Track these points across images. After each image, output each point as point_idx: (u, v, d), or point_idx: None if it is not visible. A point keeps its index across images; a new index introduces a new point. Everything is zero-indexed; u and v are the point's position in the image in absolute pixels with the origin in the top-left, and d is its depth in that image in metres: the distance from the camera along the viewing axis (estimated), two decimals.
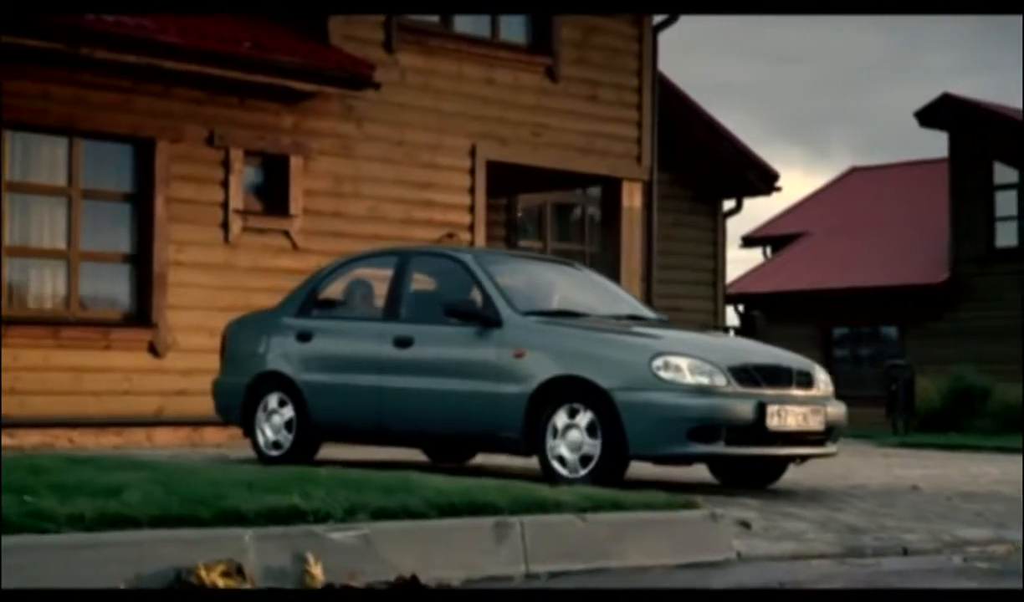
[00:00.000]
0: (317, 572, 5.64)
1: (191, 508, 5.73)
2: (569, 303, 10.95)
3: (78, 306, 14.79)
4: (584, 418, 9.61)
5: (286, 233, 15.89)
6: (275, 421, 11.43)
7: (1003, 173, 30.78)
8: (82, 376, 14.51)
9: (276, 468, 8.26)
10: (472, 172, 17.30)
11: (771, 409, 9.52)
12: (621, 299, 11.73)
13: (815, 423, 9.88)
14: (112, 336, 14.76)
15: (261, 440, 11.49)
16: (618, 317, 10.84)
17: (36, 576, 5.02)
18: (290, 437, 11.35)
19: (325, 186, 16.22)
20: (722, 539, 6.86)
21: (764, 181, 23.62)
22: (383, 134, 16.67)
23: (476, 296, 10.58)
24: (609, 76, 18.60)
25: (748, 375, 9.67)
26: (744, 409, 9.46)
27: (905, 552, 7.38)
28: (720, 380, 9.51)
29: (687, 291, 23.22)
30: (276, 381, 11.46)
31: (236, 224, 15.53)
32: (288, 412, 11.38)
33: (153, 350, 14.99)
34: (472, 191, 17.29)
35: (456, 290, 10.81)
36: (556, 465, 9.67)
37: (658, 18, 18.82)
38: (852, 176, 38.09)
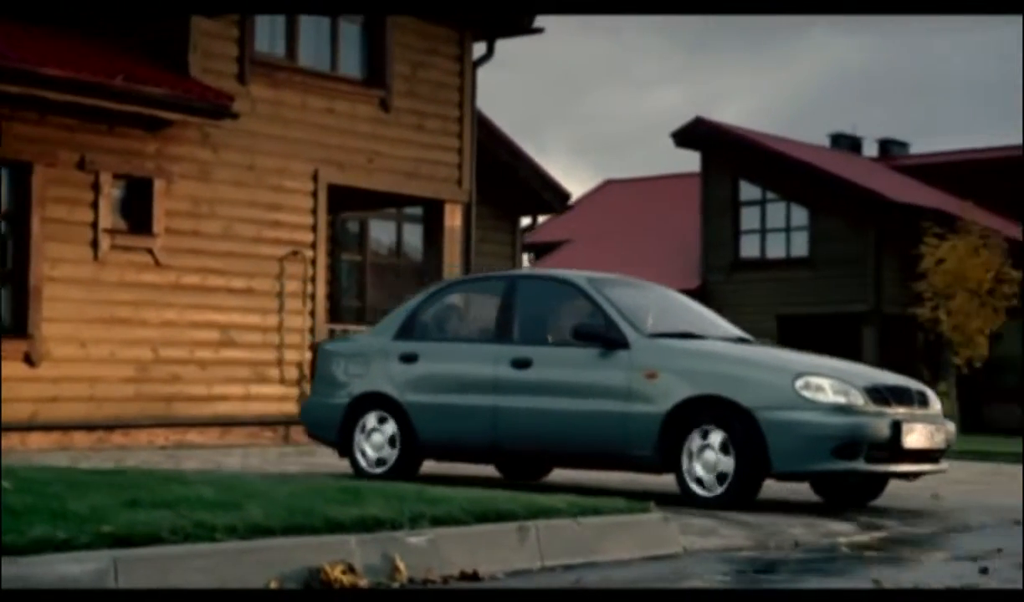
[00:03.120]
0: (402, 568, 7.04)
1: (305, 518, 7.15)
2: (675, 325, 11.25)
3: None
4: (720, 436, 10.16)
5: (149, 250, 17.04)
6: (375, 439, 11.75)
7: (748, 190, 33.58)
8: None
9: (315, 480, 9.22)
10: (315, 194, 18.72)
11: (905, 427, 10.25)
12: (716, 320, 11.93)
13: (939, 440, 10.60)
14: None
15: (362, 458, 11.82)
16: (732, 339, 11.35)
17: (218, 577, 6.37)
18: (394, 455, 11.65)
19: (185, 207, 17.42)
20: (672, 537, 8.54)
21: (558, 200, 25.58)
22: (236, 160, 17.96)
23: (595, 318, 10.87)
24: (434, 108, 20.25)
25: (880, 395, 10.32)
26: (882, 427, 10.14)
27: (797, 544, 8.73)
28: (858, 400, 10.14)
29: None
30: (378, 401, 11.76)
31: (105, 242, 16.62)
32: (391, 431, 11.67)
33: (28, 360, 15.97)
34: (315, 212, 18.71)
35: (570, 313, 11.19)
36: (693, 485, 10.31)
37: (477, 54, 20.54)
38: (607, 187, 40.39)
